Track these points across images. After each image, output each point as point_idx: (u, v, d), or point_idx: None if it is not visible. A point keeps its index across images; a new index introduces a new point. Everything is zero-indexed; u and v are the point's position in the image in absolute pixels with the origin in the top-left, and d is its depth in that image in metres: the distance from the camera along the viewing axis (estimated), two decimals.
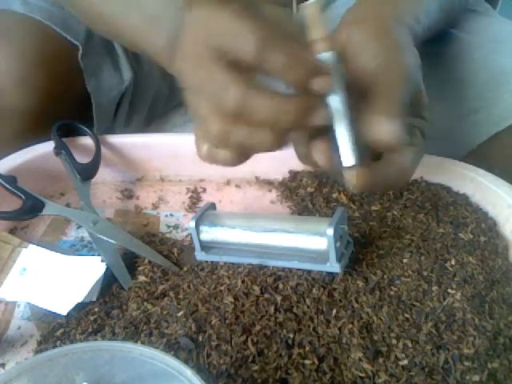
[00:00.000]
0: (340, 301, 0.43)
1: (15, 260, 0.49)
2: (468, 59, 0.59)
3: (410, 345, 0.39)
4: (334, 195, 0.55)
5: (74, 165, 0.55)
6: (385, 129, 0.37)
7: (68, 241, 0.54)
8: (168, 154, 0.61)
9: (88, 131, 0.60)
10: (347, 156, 0.37)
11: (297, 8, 0.66)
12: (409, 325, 0.41)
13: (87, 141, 0.60)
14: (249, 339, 0.39)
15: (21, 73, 0.57)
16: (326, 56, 0.36)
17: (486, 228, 0.49)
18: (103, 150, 0.59)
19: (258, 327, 0.40)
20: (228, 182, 0.61)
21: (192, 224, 0.47)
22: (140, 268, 0.48)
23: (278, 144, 0.36)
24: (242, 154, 0.39)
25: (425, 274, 0.45)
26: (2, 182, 0.51)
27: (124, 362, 0.34)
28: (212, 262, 0.48)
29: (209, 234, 0.47)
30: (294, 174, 0.59)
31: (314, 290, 0.43)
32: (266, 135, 0.35)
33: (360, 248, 0.47)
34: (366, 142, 0.37)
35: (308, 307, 0.42)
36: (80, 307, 0.45)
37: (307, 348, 0.39)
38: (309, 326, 0.41)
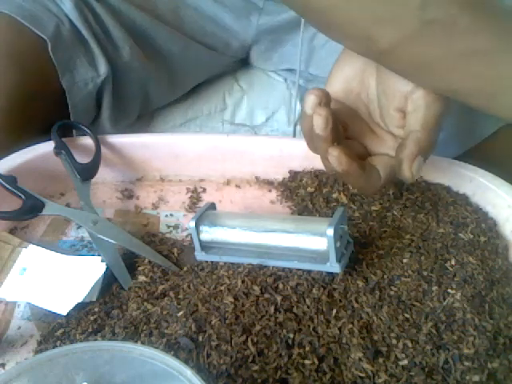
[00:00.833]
0: (340, 301, 0.43)
1: (15, 260, 0.49)
2: None
3: (409, 345, 0.39)
4: (334, 195, 0.55)
5: (74, 165, 0.55)
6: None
7: (68, 241, 0.54)
8: (168, 153, 0.61)
9: (88, 131, 0.60)
10: None
11: None
12: (409, 325, 0.41)
13: (87, 141, 0.60)
14: (249, 339, 0.39)
15: None
16: None
17: (485, 228, 0.49)
18: (103, 149, 0.59)
19: (258, 327, 0.40)
20: (228, 182, 0.61)
21: (192, 224, 0.47)
22: (140, 268, 0.48)
23: None
24: None
25: (425, 273, 0.45)
26: (2, 182, 0.51)
27: (124, 361, 0.34)
28: (212, 262, 0.48)
29: (209, 233, 0.47)
30: (293, 174, 0.59)
31: (314, 290, 0.43)
32: None
33: (360, 248, 0.47)
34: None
35: (308, 307, 0.42)
36: (80, 307, 0.45)
37: (307, 348, 0.39)
38: (309, 326, 0.41)
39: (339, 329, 0.40)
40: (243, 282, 0.44)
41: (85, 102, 0.63)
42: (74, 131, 0.62)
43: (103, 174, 0.59)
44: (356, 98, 0.48)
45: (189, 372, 0.32)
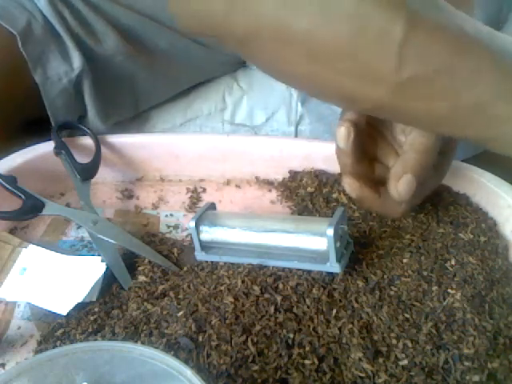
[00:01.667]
0: (340, 301, 0.43)
1: (15, 260, 0.49)
2: None
3: (410, 345, 0.39)
4: (334, 195, 0.55)
5: (74, 165, 0.55)
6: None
7: (68, 241, 0.54)
8: (168, 153, 0.61)
9: (88, 131, 0.60)
10: None
11: None
12: (409, 325, 0.41)
13: (87, 141, 0.60)
14: (249, 339, 0.39)
15: None
16: None
17: (485, 228, 0.49)
18: (103, 149, 0.59)
19: (258, 327, 0.40)
20: (228, 182, 0.61)
21: (192, 224, 0.47)
22: (140, 268, 0.48)
23: None
24: None
25: (425, 273, 0.45)
26: (2, 181, 0.51)
27: (124, 361, 0.34)
28: (212, 262, 0.48)
29: (209, 233, 0.47)
30: (293, 174, 0.59)
31: (314, 290, 0.43)
32: None
33: (360, 248, 0.47)
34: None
35: (308, 307, 0.42)
36: (80, 307, 0.45)
37: (307, 348, 0.39)
38: (309, 326, 0.41)
39: (339, 329, 0.40)
40: (243, 282, 0.44)
41: (62, 98, 0.62)
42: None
43: (103, 174, 0.59)
44: (380, 119, 0.48)
45: (189, 372, 0.32)
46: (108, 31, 0.64)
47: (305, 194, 0.56)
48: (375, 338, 0.40)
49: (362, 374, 0.38)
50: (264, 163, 0.60)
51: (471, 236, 0.48)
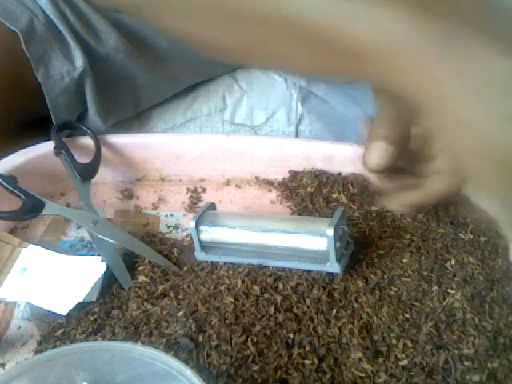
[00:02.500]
0: (340, 301, 0.43)
1: (15, 260, 0.49)
2: None
3: (410, 345, 0.39)
4: (334, 195, 0.55)
5: (74, 165, 0.55)
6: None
7: (68, 241, 0.54)
8: (168, 153, 0.61)
9: (88, 131, 0.60)
10: None
11: None
12: (409, 325, 0.41)
13: (87, 141, 0.60)
14: (249, 339, 0.39)
15: None
16: None
17: (485, 228, 0.49)
18: (103, 149, 0.59)
19: (258, 327, 0.40)
20: (228, 182, 0.61)
21: (192, 224, 0.47)
22: (140, 268, 0.48)
23: None
24: None
25: (425, 273, 0.45)
26: (2, 182, 0.51)
27: (124, 361, 0.34)
28: (212, 262, 0.48)
29: (209, 234, 0.47)
30: (293, 174, 0.59)
31: (314, 290, 0.43)
32: None
33: (360, 248, 0.47)
34: None
35: (308, 307, 0.42)
36: (80, 307, 0.45)
37: (307, 348, 0.39)
38: (309, 326, 0.41)
39: (339, 329, 0.40)
40: (243, 282, 0.44)
41: (64, 97, 0.62)
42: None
43: (103, 174, 0.59)
44: None
45: (189, 372, 0.32)
46: (109, 30, 0.64)
47: (305, 194, 0.56)
48: (375, 338, 0.40)
49: (362, 374, 0.38)
50: (264, 163, 0.60)
51: (471, 236, 0.48)
